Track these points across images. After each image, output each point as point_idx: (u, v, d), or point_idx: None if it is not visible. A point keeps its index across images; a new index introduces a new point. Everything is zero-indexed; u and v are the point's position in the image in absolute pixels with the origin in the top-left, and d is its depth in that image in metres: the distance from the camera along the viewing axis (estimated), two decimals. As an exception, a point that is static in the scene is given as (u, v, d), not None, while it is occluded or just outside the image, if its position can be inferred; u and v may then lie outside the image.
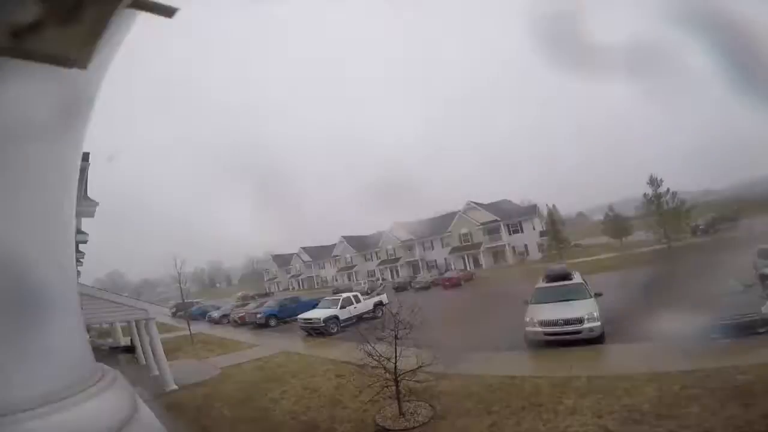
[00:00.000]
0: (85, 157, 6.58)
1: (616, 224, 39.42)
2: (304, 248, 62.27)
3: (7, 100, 1.63)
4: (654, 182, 30.87)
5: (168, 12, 2.75)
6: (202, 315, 29.94)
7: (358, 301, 19.97)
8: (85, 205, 8.79)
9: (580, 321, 9.27)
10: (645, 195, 31.56)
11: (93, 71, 2.56)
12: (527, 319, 10.03)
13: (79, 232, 10.64)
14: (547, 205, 49.33)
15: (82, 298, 9.48)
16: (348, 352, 10.26)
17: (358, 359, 8.59)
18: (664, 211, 30.00)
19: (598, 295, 10.62)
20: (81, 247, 12.30)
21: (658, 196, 30.65)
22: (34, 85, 1.82)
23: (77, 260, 13.18)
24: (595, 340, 9.08)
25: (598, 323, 9.17)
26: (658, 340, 7.84)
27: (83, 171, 6.91)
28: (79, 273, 13.23)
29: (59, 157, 1.99)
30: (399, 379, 8.16)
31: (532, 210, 45.72)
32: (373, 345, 8.53)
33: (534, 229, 43.60)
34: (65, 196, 2.14)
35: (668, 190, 30.39)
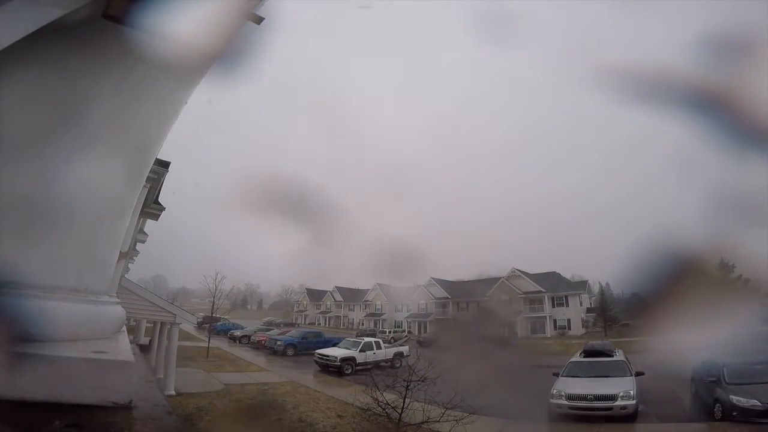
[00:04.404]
0: (165, 164, 6.86)
1: (675, 308, 35.51)
2: (338, 287, 62.44)
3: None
4: (724, 267, 27.80)
5: (257, 19, 3.23)
6: (225, 331, 30.38)
7: (378, 347, 19.91)
8: (153, 208, 9.39)
9: (613, 398, 8.72)
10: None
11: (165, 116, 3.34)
12: (553, 392, 9.46)
13: (140, 231, 11.47)
14: (599, 282, 46.10)
15: (124, 292, 10.07)
16: (355, 395, 9.81)
17: (364, 403, 8.26)
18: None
19: (639, 374, 10.07)
20: (138, 246, 13.22)
21: (727, 283, 27.42)
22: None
23: (131, 258, 14.17)
24: (627, 418, 8.64)
25: (633, 402, 8.74)
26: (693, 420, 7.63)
27: (160, 176, 7.20)
28: (128, 269, 14.15)
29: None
30: (400, 431, 7.62)
31: (581, 285, 43.27)
32: (382, 392, 8.21)
33: (581, 304, 40.85)
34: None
35: (741, 276, 27.19)
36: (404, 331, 47.12)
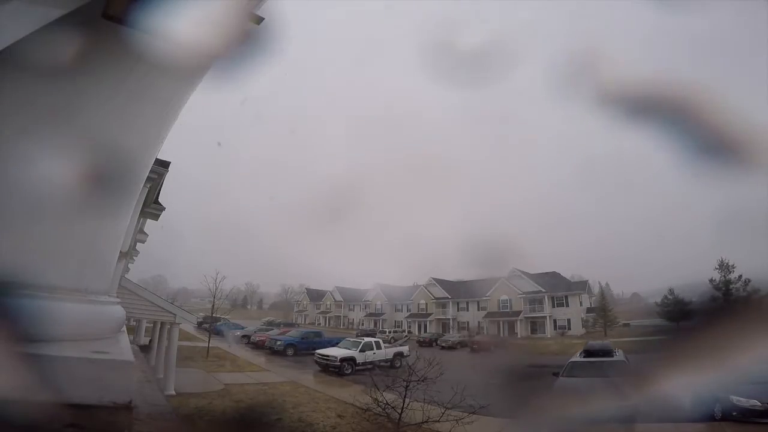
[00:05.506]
0: (165, 164, 6.83)
1: (674, 307, 35.43)
2: (338, 287, 62.41)
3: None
4: (724, 267, 27.68)
5: (257, 20, 3.24)
6: (225, 331, 30.39)
7: (378, 347, 19.96)
8: (153, 208, 9.38)
9: (613, 398, 8.55)
10: (711, 281, 28.32)
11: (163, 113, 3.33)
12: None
13: (140, 231, 11.46)
14: (599, 282, 46.11)
15: (124, 292, 10.06)
16: (355, 395, 9.85)
17: (364, 403, 8.25)
18: (732, 298, 26.60)
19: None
20: (138, 246, 13.21)
21: (727, 283, 27.27)
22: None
23: (131, 257, 14.17)
24: (628, 418, 8.46)
25: (632, 402, 8.49)
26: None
27: (160, 176, 7.16)
28: (128, 269, 14.14)
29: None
30: (400, 431, 7.63)
31: (581, 285, 43.17)
32: (382, 392, 8.21)
33: (581, 304, 40.82)
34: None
35: (740, 276, 27.17)
36: (404, 331, 47.19)
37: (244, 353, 22.42)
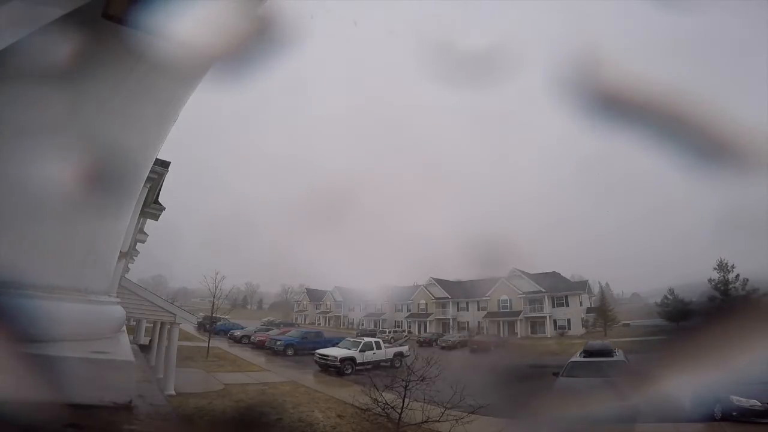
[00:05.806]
0: (165, 164, 6.93)
1: (674, 307, 35.50)
2: (338, 287, 62.41)
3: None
4: (723, 267, 27.69)
5: (258, 20, 3.24)
6: (225, 331, 30.42)
7: (379, 347, 20.00)
8: (153, 208, 9.37)
9: (613, 398, 8.52)
10: (710, 280, 28.35)
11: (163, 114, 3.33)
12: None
13: (140, 231, 11.46)
14: (599, 282, 46.14)
15: (125, 292, 10.07)
16: (355, 395, 9.84)
17: (364, 403, 8.27)
18: (731, 297, 26.68)
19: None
20: (138, 246, 13.20)
21: (725, 282, 27.28)
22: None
23: (131, 257, 14.17)
24: (628, 418, 8.44)
25: (632, 402, 8.51)
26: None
27: (160, 176, 7.23)
28: (128, 269, 14.15)
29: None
30: (400, 431, 7.64)
31: (581, 285, 43.17)
32: (381, 392, 8.22)
33: (581, 304, 40.83)
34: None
35: (738, 276, 27.23)
36: (404, 331, 47.21)
37: (244, 353, 22.42)
